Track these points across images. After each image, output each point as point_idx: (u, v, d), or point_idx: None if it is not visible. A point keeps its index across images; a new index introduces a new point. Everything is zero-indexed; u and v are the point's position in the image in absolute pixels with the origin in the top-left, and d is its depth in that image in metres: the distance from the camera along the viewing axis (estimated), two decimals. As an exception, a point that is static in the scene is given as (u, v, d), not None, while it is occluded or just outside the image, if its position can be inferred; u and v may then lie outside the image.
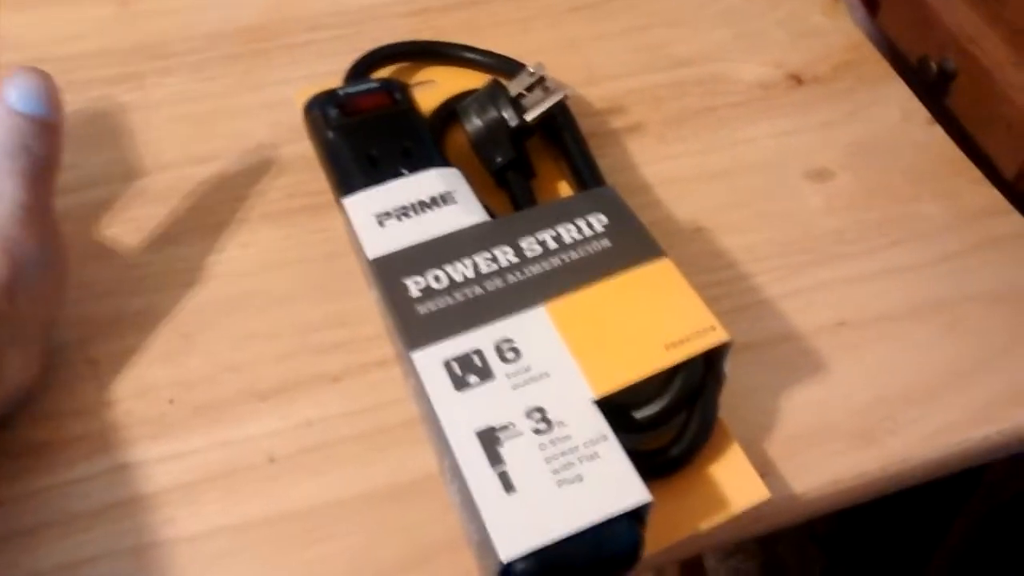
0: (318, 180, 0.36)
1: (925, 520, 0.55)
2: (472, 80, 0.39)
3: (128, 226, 0.36)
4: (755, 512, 0.29)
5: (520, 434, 0.26)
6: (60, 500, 0.29)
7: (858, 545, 0.67)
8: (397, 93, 0.36)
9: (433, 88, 0.40)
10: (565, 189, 0.37)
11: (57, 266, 0.31)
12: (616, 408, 0.28)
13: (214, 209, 0.36)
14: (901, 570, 0.61)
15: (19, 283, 0.28)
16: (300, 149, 0.37)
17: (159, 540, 0.28)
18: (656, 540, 0.27)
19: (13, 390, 0.29)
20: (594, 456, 0.26)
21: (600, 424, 0.27)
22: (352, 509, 0.29)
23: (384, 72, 0.40)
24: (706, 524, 0.28)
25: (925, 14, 0.45)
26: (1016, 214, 0.38)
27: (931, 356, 0.33)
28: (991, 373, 0.33)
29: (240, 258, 0.35)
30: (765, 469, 0.30)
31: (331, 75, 0.39)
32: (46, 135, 0.30)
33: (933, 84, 0.45)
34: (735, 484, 0.29)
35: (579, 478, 0.26)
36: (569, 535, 0.25)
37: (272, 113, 0.40)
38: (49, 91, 0.30)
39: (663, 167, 0.39)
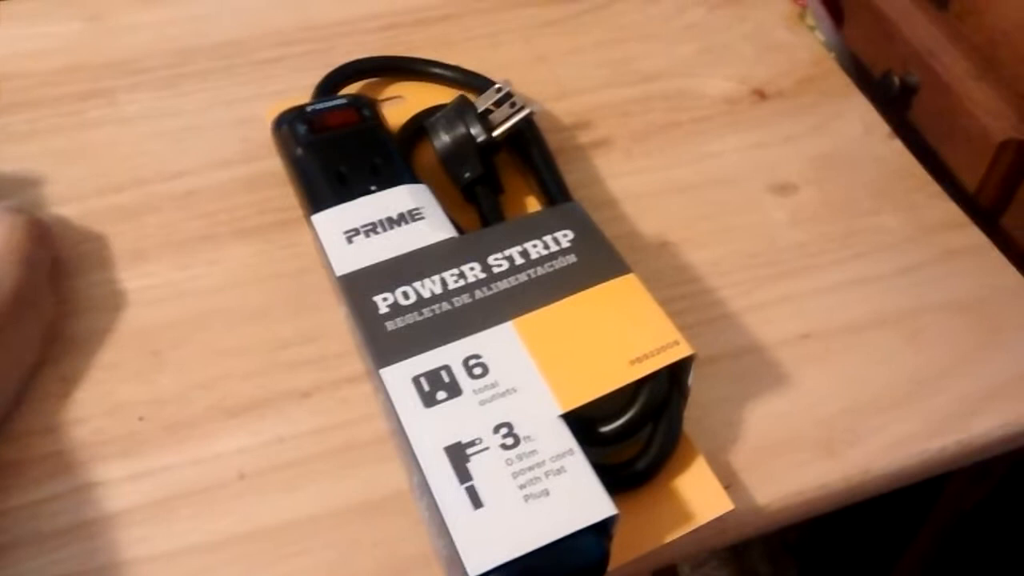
0: (288, 196, 0.37)
1: (893, 527, 0.56)
2: (440, 96, 0.39)
3: (99, 243, 0.36)
4: (719, 523, 0.29)
5: (487, 449, 0.27)
6: (30, 519, 0.29)
7: (829, 553, 0.68)
8: (365, 109, 0.37)
9: (401, 104, 0.40)
10: (533, 204, 0.38)
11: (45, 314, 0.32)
12: (582, 422, 0.28)
13: (185, 225, 0.37)
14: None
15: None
16: (270, 165, 0.38)
17: (130, 558, 0.28)
18: (622, 553, 0.28)
19: None
20: (561, 471, 0.26)
21: (567, 439, 0.27)
22: (324, 525, 0.29)
23: (353, 88, 0.41)
24: (671, 536, 0.29)
25: (887, 29, 0.46)
26: (973, 227, 0.38)
27: (893, 367, 0.34)
28: (951, 383, 0.34)
29: (211, 274, 0.35)
30: (729, 480, 0.31)
31: (302, 90, 0.39)
32: None
33: (896, 97, 0.46)
34: (700, 496, 0.30)
35: (546, 493, 0.26)
36: (536, 549, 0.25)
37: (243, 129, 0.40)
38: None
39: (629, 181, 0.39)
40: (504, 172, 0.38)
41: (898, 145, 0.42)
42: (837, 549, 0.66)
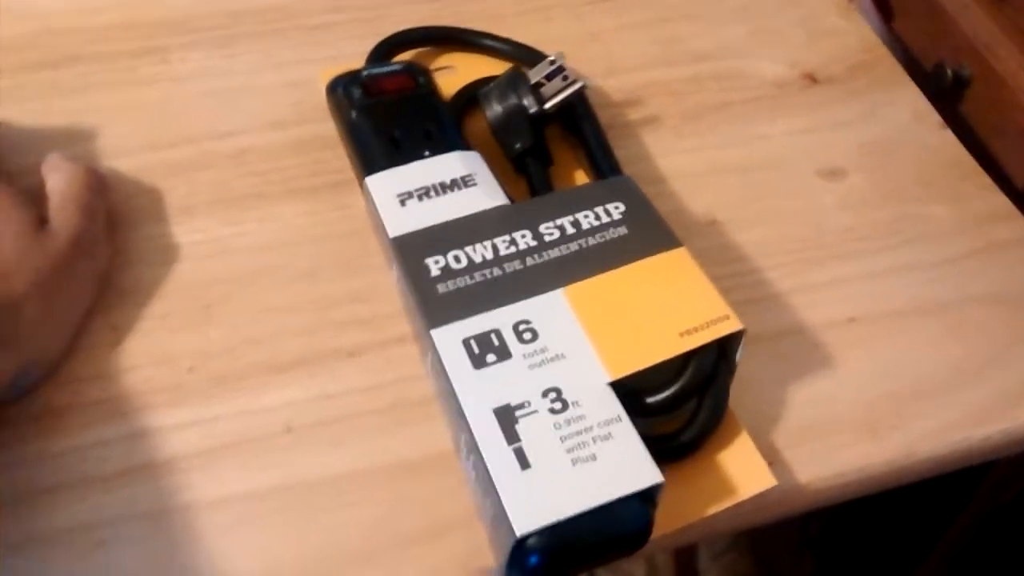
0: (340, 158, 0.37)
1: (917, 524, 0.55)
2: (489, 68, 0.39)
3: (151, 196, 0.36)
4: (760, 500, 0.29)
5: (536, 413, 0.27)
6: (79, 463, 0.29)
7: (849, 548, 0.68)
8: (420, 77, 0.37)
9: (451, 74, 0.41)
10: (582, 178, 0.38)
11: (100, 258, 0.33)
12: (629, 392, 0.28)
13: (236, 183, 0.37)
14: (893, 572, 0.62)
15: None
16: (322, 128, 0.38)
17: (176, 505, 0.28)
18: (665, 523, 0.28)
19: (38, 357, 0.30)
20: (608, 437, 0.26)
21: (614, 406, 0.27)
22: (367, 481, 0.29)
23: (404, 56, 0.41)
24: (714, 509, 0.29)
25: (942, 21, 0.46)
26: (1022, 219, 0.38)
27: (937, 354, 0.34)
28: (995, 373, 0.33)
29: (262, 232, 0.35)
30: (772, 458, 0.31)
31: (350, 58, 0.39)
32: None
33: (948, 90, 0.45)
34: (743, 471, 0.30)
35: (593, 457, 0.26)
36: (583, 512, 0.25)
37: (294, 92, 0.40)
38: None
39: (678, 160, 0.39)
40: (554, 145, 0.38)
41: (949, 135, 0.41)
42: (857, 544, 0.66)
